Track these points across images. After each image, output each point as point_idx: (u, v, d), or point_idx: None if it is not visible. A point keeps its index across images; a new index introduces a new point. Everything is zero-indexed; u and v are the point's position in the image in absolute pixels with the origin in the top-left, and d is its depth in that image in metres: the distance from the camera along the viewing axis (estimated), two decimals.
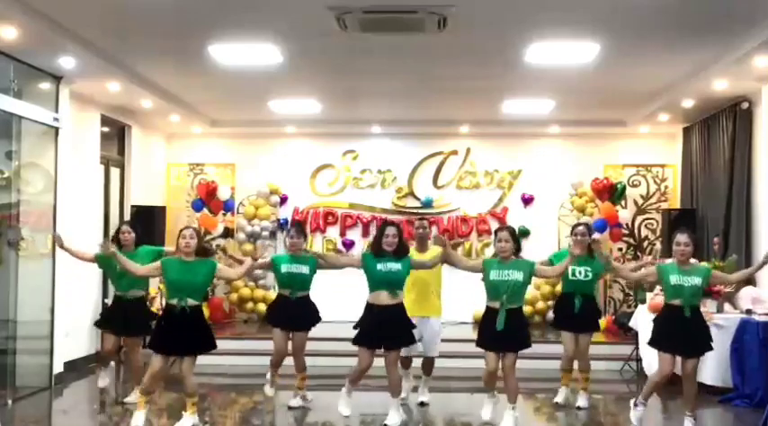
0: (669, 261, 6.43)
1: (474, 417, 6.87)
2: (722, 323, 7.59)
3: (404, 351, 6.75)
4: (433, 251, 7.19)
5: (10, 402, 7.31)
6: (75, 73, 7.94)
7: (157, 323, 6.31)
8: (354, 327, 6.45)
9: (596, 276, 7.22)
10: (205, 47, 7.30)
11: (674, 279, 6.07)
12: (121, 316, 7.14)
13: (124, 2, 6.19)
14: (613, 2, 6.09)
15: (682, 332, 6.08)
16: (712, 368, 7.56)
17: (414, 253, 7.08)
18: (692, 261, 6.30)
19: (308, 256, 7.08)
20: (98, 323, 7.64)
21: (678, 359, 6.19)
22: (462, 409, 7.49)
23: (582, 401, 7.35)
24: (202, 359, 6.44)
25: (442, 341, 7.35)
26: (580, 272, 7.04)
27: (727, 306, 7.95)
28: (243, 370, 9.15)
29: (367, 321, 6.37)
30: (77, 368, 8.78)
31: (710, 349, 6.27)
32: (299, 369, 7.16)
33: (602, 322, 10.42)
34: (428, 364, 7.37)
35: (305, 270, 6.93)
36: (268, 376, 7.25)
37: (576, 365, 7.43)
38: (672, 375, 6.24)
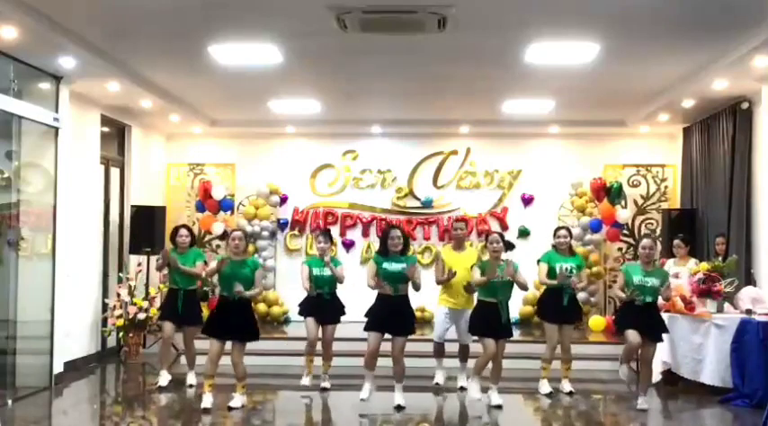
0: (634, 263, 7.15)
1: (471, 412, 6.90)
2: (722, 323, 7.59)
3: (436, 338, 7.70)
4: (470, 252, 7.96)
5: (10, 402, 7.30)
6: (75, 73, 7.94)
7: (211, 312, 7.05)
8: (365, 315, 6.97)
9: (580, 270, 7.72)
10: (205, 47, 7.30)
11: (636, 279, 6.92)
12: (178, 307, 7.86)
13: (124, 2, 6.19)
14: (613, 2, 6.09)
15: (641, 318, 6.92)
16: (712, 368, 7.56)
17: (450, 253, 7.71)
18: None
19: (333, 258, 7.91)
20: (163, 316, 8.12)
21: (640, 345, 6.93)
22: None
23: (569, 386, 7.70)
24: (203, 360, 6.50)
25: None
26: (567, 269, 7.52)
27: (727, 306, 7.94)
28: None
29: (376, 308, 6.95)
30: (77, 368, 8.77)
31: (662, 339, 7.10)
32: (328, 358, 7.91)
33: (602, 321, 10.49)
34: (464, 350, 7.79)
35: (329, 272, 7.68)
36: (304, 375, 7.81)
37: (560, 355, 7.75)
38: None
